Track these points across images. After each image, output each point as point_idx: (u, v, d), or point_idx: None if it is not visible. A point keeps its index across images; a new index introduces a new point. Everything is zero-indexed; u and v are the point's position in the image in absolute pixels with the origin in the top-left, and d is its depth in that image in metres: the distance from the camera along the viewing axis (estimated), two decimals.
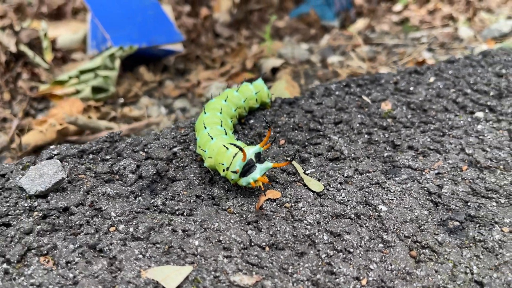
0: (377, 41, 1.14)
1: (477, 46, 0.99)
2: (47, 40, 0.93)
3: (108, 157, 0.39)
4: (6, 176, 0.37)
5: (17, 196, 0.34)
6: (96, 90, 0.81)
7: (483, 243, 0.32)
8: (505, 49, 0.67)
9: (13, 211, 0.33)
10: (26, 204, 0.33)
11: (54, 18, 1.34)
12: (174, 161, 0.39)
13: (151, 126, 0.70)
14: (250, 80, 0.47)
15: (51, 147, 0.41)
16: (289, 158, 0.39)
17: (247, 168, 0.34)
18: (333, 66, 0.88)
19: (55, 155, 0.39)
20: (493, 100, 0.51)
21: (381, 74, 0.58)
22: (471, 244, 0.32)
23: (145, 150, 0.40)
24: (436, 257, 0.31)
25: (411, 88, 0.53)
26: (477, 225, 0.34)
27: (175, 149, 0.41)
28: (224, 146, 0.34)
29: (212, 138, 0.36)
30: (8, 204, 0.33)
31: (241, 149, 0.33)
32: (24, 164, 0.38)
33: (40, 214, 0.33)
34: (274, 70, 0.91)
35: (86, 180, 0.36)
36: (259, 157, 0.34)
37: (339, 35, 1.28)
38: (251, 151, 0.34)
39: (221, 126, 0.38)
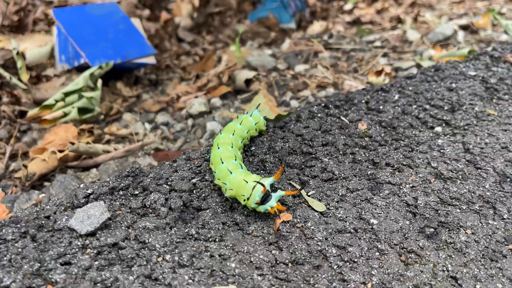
0: (335, 46, 1.23)
1: (425, 50, 1.11)
2: (20, 59, 0.94)
3: (136, 192, 0.45)
4: (50, 217, 0.42)
5: (69, 236, 0.39)
6: (81, 110, 0.84)
7: (453, 244, 0.41)
8: (452, 63, 0.78)
9: (69, 250, 0.38)
10: (79, 243, 0.39)
11: (15, 31, 1.32)
12: (195, 191, 0.46)
13: (145, 147, 0.75)
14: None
15: (82, 186, 0.46)
16: (297, 186, 0.47)
17: (264, 197, 0.41)
18: (301, 77, 0.95)
19: (90, 194, 0.44)
20: (448, 114, 0.61)
21: (353, 93, 0.66)
22: (444, 246, 0.41)
23: (168, 183, 0.46)
24: (420, 259, 0.40)
25: (381, 107, 0.62)
26: (447, 229, 0.43)
27: (193, 180, 0.47)
28: (244, 180, 0.41)
29: (231, 173, 0.43)
30: (63, 244, 0.39)
31: (261, 183, 0.40)
32: (65, 206, 0.43)
33: (94, 251, 0.38)
34: (247, 81, 0.98)
35: (123, 216, 0.42)
36: (273, 187, 0.42)
37: (299, 39, 1.36)
38: (267, 182, 0.41)
39: (235, 160, 0.45)
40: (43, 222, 0.41)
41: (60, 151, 0.69)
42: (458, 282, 0.37)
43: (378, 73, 0.90)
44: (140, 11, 1.63)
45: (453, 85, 0.69)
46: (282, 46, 1.37)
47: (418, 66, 0.98)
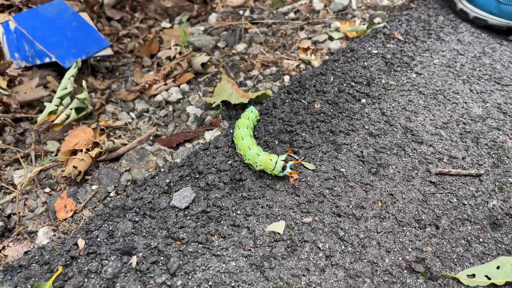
0: (259, 20, 1.47)
1: (332, 22, 1.40)
2: None
3: (197, 176, 0.69)
4: (152, 202, 0.64)
5: (174, 211, 0.63)
6: (76, 110, 1.00)
7: (387, 176, 0.73)
8: (360, 43, 1.08)
9: (179, 219, 0.62)
10: (182, 214, 0.63)
11: None
12: (233, 169, 0.71)
13: (150, 137, 0.96)
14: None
15: (157, 178, 0.68)
16: (297, 157, 0.75)
17: (283, 167, 0.68)
18: (248, 58, 1.20)
19: (168, 182, 0.67)
20: (366, 88, 0.92)
21: (302, 79, 0.94)
22: (383, 178, 0.72)
23: (214, 166, 0.71)
24: (372, 188, 0.71)
25: (324, 89, 0.91)
26: (382, 168, 0.74)
27: (229, 162, 0.72)
28: (269, 159, 0.68)
29: (258, 155, 0.69)
30: (173, 216, 0.62)
31: (282, 160, 0.67)
32: (160, 193, 0.66)
33: (194, 217, 0.63)
34: (202, 64, 1.19)
35: (199, 194, 0.66)
36: (286, 159, 0.69)
37: (225, 13, 1.57)
38: (283, 158, 0.68)
39: (257, 146, 0.71)
40: (150, 206, 0.64)
41: (88, 150, 0.87)
42: (393, 196, 0.69)
43: (305, 50, 1.17)
44: None
45: (365, 63, 1.00)
46: (210, 20, 1.57)
47: (331, 38, 1.27)
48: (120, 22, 1.64)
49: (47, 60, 1.12)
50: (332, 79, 0.93)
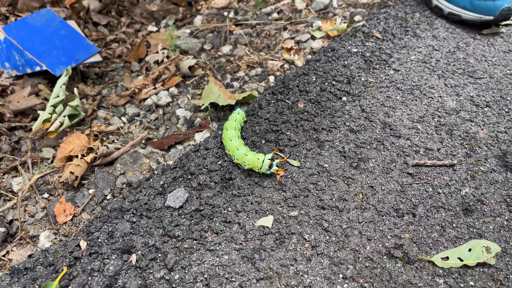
0: (243, 22, 1.51)
1: (313, 21, 1.44)
2: None
3: (189, 177, 0.74)
4: (148, 203, 0.69)
5: (169, 211, 0.67)
6: (69, 117, 1.03)
7: (367, 169, 0.78)
8: (340, 42, 1.13)
9: (174, 218, 0.67)
10: (177, 213, 0.67)
11: None
12: (223, 169, 0.76)
13: (143, 140, 0.99)
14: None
15: (151, 180, 0.72)
16: (283, 155, 0.79)
17: (270, 165, 0.73)
18: (234, 60, 1.24)
19: (163, 184, 0.71)
20: (347, 86, 0.97)
21: (286, 79, 0.98)
22: (363, 171, 0.77)
23: (205, 167, 0.75)
24: (353, 181, 0.75)
25: (307, 88, 0.95)
26: (363, 162, 0.79)
27: (219, 162, 0.76)
28: (257, 158, 0.72)
29: (246, 155, 0.73)
30: (168, 216, 0.67)
31: (269, 158, 0.71)
32: (155, 195, 0.70)
33: (188, 216, 0.67)
34: (190, 67, 1.22)
35: (192, 193, 0.71)
36: (272, 157, 0.74)
37: (210, 15, 1.60)
38: (270, 157, 0.72)
39: (245, 146, 0.75)
40: (146, 207, 0.68)
41: (83, 155, 0.91)
42: (373, 188, 0.74)
43: (288, 50, 1.22)
44: None
45: (346, 62, 1.04)
46: (195, 22, 1.60)
47: (313, 37, 1.32)
48: (107, 27, 1.67)
49: (37, 68, 1.15)
50: (314, 79, 0.98)
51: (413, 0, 1.33)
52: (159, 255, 0.62)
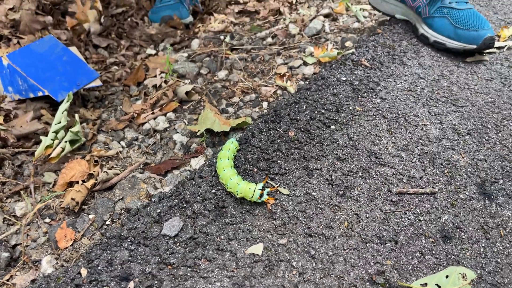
0: (239, 46, 1.57)
1: (306, 46, 1.50)
2: None
3: (184, 205, 0.78)
4: (145, 231, 0.73)
5: (165, 239, 0.72)
6: (70, 142, 1.08)
7: (353, 197, 0.82)
8: (330, 70, 1.18)
9: (170, 246, 0.71)
10: (172, 241, 0.71)
11: None
12: (216, 197, 0.80)
13: (140, 165, 1.04)
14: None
15: (149, 208, 0.77)
16: (273, 184, 0.84)
17: (261, 194, 0.77)
18: (230, 86, 1.29)
19: (159, 212, 0.76)
20: (335, 115, 1.02)
21: (277, 108, 1.03)
22: (349, 199, 0.82)
23: (200, 196, 0.80)
24: (340, 209, 0.80)
25: (297, 117, 1.00)
26: (349, 190, 0.84)
27: (213, 191, 0.81)
28: (248, 187, 0.77)
29: (239, 184, 0.78)
30: (164, 244, 0.71)
31: (260, 188, 0.76)
32: (152, 223, 0.74)
33: (182, 244, 0.71)
34: (187, 92, 1.27)
35: (187, 222, 0.75)
36: (263, 187, 0.78)
37: (206, 39, 1.66)
38: (261, 186, 0.77)
39: (237, 175, 0.80)
40: (144, 235, 0.72)
41: (83, 181, 0.95)
42: (358, 215, 0.79)
43: (282, 77, 1.27)
44: (43, 17, 1.75)
45: (335, 90, 1.10)
46: (192, 46, 1.66)
47: (305, 63, 1.37)
48: (107, 49, 1.73)
49: (40, 94, 1.20)
50: (304, 107, 1.03)
51: (401, 28, 1.38)
52: (156, 282, 0.66)
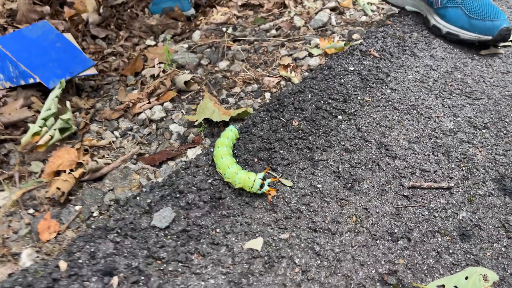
0: (241, 38, 1.51)
1: (311, 38, 1.44)
2: None
3: (178, 195, 0.71)
4: (133, 223, 0.66)
5: (154, 231, 0.65)
6: (60, 130, 1.01)
7: (361, 190, 0.75)
8: (337, 60, 1.12)
9: (160, 239, 0.64)
10: (162, 234, 0.65)
11: None
12: (213, 188, 0.73)
13: (134, 156, 0.97)
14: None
15: (139, 198, 0.70)
16: (275, 175, 0.77)
17: (261, 185, 0.70)
18: (231, 76, 1.22)
19: (150, 203, 0.69)
20: (343, 105, 0.95)
21: (281, 97, 0.97)
22: (357, 193, 0.75)
23: (195, 186, 0.73)
24: (347, 202, 0.73)
25: (302, 106, 0.94)
26: (357, 183, 0.77)
27: (209, 181, 0.74)
28: (248, 177, 0.70)
29: (237, 173, 0.71)
30: (154, 236, 0.64)
31: (260, 178, 0.69)
32: (141, 214, 0.67)
33: (174, 236, 0.65)
34: (185, 82, 1.21)
35: (180, 213, 0.68)
36: (264, 177, 0.71)
37: (208, 30, 1.60)
38: (261, 176, 0.70)
39: (236, 164, 0.73)
40: (131, 226, 0.66)
41: (71, 171, 0.88)
42: (368, 210, 0.72)
43: (285, 67, 1.21)
44: (40, 7, 1.70)
45: (342, 80, 1.03)
46: (193, 37, 1.59)
47: (310, 55, 1.31)
48: (105, 40, 1.67)
49: (31, 80, 1.13)
50: (310, 97, 0.96)
51: (411, 20, 1.32)
52: (142, 277, 0.59)
